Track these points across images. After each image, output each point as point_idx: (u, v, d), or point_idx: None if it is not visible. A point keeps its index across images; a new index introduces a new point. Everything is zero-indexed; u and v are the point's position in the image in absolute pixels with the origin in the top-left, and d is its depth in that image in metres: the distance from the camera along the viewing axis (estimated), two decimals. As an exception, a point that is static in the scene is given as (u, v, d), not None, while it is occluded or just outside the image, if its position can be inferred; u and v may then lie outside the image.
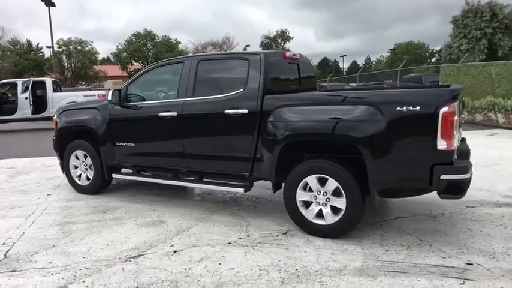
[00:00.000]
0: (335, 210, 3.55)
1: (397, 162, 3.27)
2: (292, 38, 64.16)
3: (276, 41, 65.30)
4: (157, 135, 4.51)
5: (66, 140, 5.22)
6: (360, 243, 3.48)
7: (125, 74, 58.12)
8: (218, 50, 66.52)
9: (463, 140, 4.38)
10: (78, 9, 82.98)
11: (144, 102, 4.59)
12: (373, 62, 72.49)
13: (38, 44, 58.28)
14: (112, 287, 2.79)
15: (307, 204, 3.68)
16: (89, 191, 5.15)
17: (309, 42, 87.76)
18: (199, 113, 4.18)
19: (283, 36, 65.25)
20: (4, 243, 3.59)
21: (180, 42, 61.34)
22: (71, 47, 54.39)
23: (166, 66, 4.60)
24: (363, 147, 3.32)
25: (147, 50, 58.07)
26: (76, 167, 5.21)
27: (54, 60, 37.36)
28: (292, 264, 3.10)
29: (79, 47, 54.97)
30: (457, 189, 3.20)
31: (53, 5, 26.40)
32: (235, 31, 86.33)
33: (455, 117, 3.08)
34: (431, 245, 3.42)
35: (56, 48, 53.86)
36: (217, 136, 4.12)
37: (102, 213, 4.43)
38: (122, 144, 4.75)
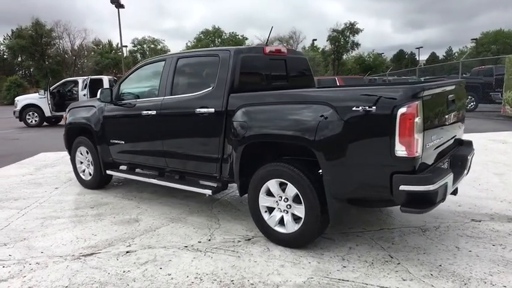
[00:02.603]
0: (296, 218, 3.28)
1: (354, 169, 2.91)
2: (361, 30, 61.63)
3: (344, 34, 63.35)
4: (142, 133, 4.54)
5: (73, 136, 5.50)
6: (320, 256, 3.18)
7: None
8: (285, 45, 66.46)
9: (466, 143, 3.82)
10: (157, 9, 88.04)
11: (132, 101, 4.64)
12: (455, 54, 67.04)
13: (117, 43, 62.90)
14: (45, 284, 2.85)
15: (270, 210, 3.46)
16: (91, 186, 5.39)
17: (386, 34, 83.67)
18: (174, 111, 4.12)
19: (352, 29, 63.01)
20: (-14, 234, 3.88)
21: (246, 38, 62.23)
22: (144, 45, 57.93)
23: (152, 64, 4.61)
24: (316, 150, 3.01)
25: (214, 47, 59.90)
26: (81, 163, 5.48)
27: (123, 58, 39.91)
28: (232, 275, 2.92)
29: (152, 46, 58.36)
30: (419, 202, 2.75)
31: (122, 6, 28.23)
32: (309, 25, 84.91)
33: (417, 119, 2.63)
34: (399, 263, 3.01)
35: (131, 47, 57.98)
36: (190, 135, 4.04)
37: (89, 208, 4.59)
38: (115, 141, 4.87)
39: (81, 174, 5.51)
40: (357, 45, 62.21)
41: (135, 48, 56.87)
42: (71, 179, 5.91)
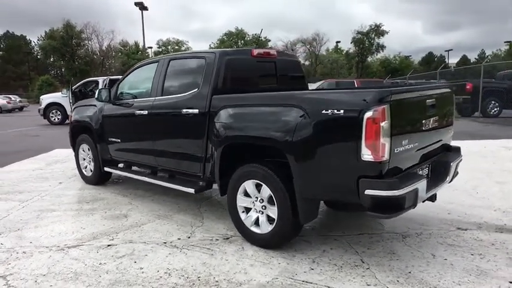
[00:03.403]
0: (271, 219, 3.32)
1: (323, 172, 2.93)
2: (387, 32, 60.51)
3: (368, 36, 62.47)
4: (136, 132, 4.69)
5: (76, 134, 5.73)
6: (292, 257, 3.20)
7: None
8: (308, 47, 66.18)
9: (454, 149, 3.75)
10: (185, 11, 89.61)
11: (128, 100, 4.80)
12: (488, 57, 64.82)
13: (144, 45, 64.37)
14: (25, 272, 3.02)
15: (248, 211, 3.51)
16: (92, 181, 5.60)
17: (415, 35, 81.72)
18: (163, 111, 4.24)
19: (377, 30, 62.01)
20: (-16, 223, 4.12)
21: (269, 40, 62.29)
22: (169, 46, 59.02)
23: (148, 65, 4.75)
24: (286, 152, 3.05)
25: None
26: (84, 159, 5.70)
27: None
28: (200, 271, 2.99)
29: (176, 47, 59.38)
30: (385, 207, 2.74)
31: (146, 8, 29.03)
32: (335, 26, 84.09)
33: (383, 124, 2.62)
34: (368, 268, 3.00)
35: (155, 48, 59.23)
36: (177, 135, 4.15)
37: (85, 203, 4.78)
38: (112, 139, 5.06)
39: (83, 170, 5.74)
40: (382, 47, 61.17)
41: (160, 50, 58.00)
42: (75, 175, 6.15)
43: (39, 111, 16.41)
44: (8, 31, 64.83)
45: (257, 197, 3.38)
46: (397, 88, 2.93)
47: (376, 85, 20.67)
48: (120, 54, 58.92)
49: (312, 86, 25.63)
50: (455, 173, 3.68)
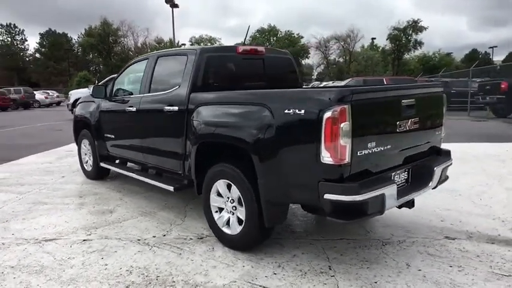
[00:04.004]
0: (240, 220, 3.25)
1: (286, 173, 2.82)
2: (425, 28, 58.27)
3: (406, 33, 60.51)
4: (127, 129, 4.74)
5: (79, 129, 5.88)
6: (259, 260, 3.12)
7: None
8: (342, 43, 64.97)
9: (444, 153, 3.52)
10: (222, 8, 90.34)
11: (122, 97, 4.86)
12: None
13: (178, 42, 65.60)
14: (-4, 263, 3.12)
15: (221, 211, 3.45)
16: (91, 176, 5.73)
17: (459, 32, 77.93)
18: (149, 108, 4.26)
19: (415, 26, 59.89)
20: (-22, 214, 4.30)
21: (302, 37, 61.77)
22: (202, 44, 59.75)
23: (139, 62, 4.78)
24: (251, 151, 2.96)
25: (269, 45, 60.12)
26: (85, 154, 5.84)
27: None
28: (161, 271, 2.97)
29: (209, 44, 60.04)
30: (345, 212, 2.60)
31: (177, 6, 29.43)
32: (373, 22, 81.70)
33: (343, 125, 2.48)
34: (333, 276, 2.86)
35: (188, 45, 60.15)
36: (160, 132, 4.16)
37: (78, 197, 4.89)
38: (108, 135, 5.15)
39: (84, 165, 5.88)
40: (420, 44, 59.02)
41: (193, 47, 58.91)
42: (79, 169, 6.30)
43: (67, 106, 17.06)
44: (50, 29, 67.92)
45: (228, 197, 3.32)
46: (359, 87, 2.76)
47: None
48: (155, 51, 60.42)
49: (339, 84, 25.12)
50: (443, 178, 3.46)
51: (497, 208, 4.26)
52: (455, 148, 8.03)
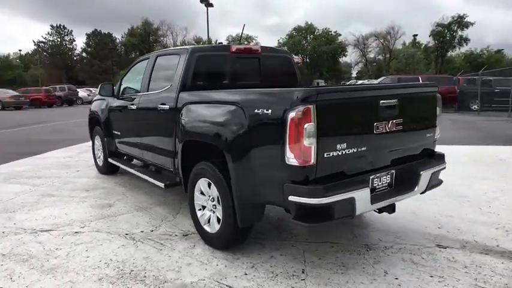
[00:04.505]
0: (219, 219, 3.26)
1: (255, 174, 2.80)
2: (472, 24, 55.23)
3: (450, 29, 57.69)
4: (130, 126, 4.89)
5: (93, 125, 6.13)
6: (234, 260, 3.12)
7: (285, 67, 61.24)
8: (381, 41, 63.11)
9: (437, 156, 3.35)
10: (262, 6, 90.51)
11: (126, 95, 5.01)
12: None
13: (216, 40, 66.53)
14: (-9, 250, 3.33)
15: (204, 209, 3.48)
16: (102, 171, 5.97)
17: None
18: (146, 106, 4.37)
19: (460, 22, 56.94)
20: (-9, 203, 4.60)
21: (339, 35, 60.57)
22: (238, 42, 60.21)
23: (142, 61, 4.90)
24: (225, 151, 2.96)
25: (306, 43, 59.47)
26: (98, 150, 6.08)
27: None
28: (137, 265, 3.04)
29: (245, 42, 60.39)
30: (310, 215, 2.54)
31: (211, 5, 29.86)
32: (418, 19, 78.25)
33: (307, 125, 2.42)
34: (303, 279, 2.81)
35: (224, 44, 60.85)
36: (155, 130, 4.25)
37: (84, 191, 5.11)
38: (115, 132, 5.33)
39: (97, 160, 6.13)
40: (466, 40, 56.08)
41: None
42: (94, 164, 6.58)
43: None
44: (96, 29, 70.98)
45: (210, 196, 3.34)
46: (326, 87, 2.68)
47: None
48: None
49: (373, 82, 24.40)
50: (434, 183, 3.29)
51: (505, 216, 3.98)
52: (482, 151, 7.61)
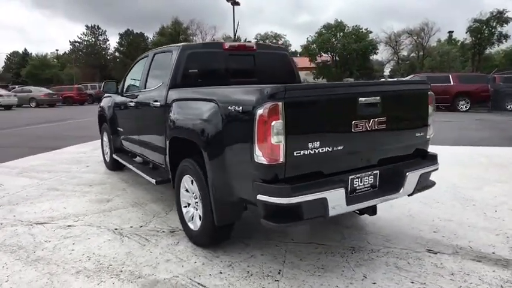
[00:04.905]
0: (201, 217, 3.25)
1: (228, 171, 2.77)
2: (512, 19, 52.42)
3: (488, 25, 55.15)
4: (130, 123, 4.97)
5: (101, 122, 6.27)
6: (213, 258, 3.10)
7: (313, 65, 60.59)
8: (414, 38, 61.23)
9: (430, 157, 3.20)
10: (294, 4, 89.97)
11: (128, 92, 5.09)
12: None
13: (245, 38, 66.75)
14: (-15, 241, 3.46)
15: (189, 206, 3.48)
16: (109, 167, 6.10)
17: None
18: (142, 103, 4.41)
19: (500, 18, 54.31)
20: (-2, 196, 4.80)
21: (370, 32, 59.18)
22: (267, 40, 60.13)
23: (143, 58, 4.96)
24: (202, 148, 2.95)
25: (335, 41, 58.46)
26: (106, 146, 6.22)
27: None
28: (117, 260, 3.08)
29: (274, 41, 60.24)
30: (277, 215, 2.48)
31: (238, 3, 29.96)
32: (455, 14, 75.18)
33: (275, 123, 2.36)
34: (277, 280, 2.75)
35: (253, 42, 61.03)
36: (149, 126, 4.29)
37: (88, 186, 5.23)
38: (119, 128, 5.43)
39: (105, 156, 6.27)
40: (506, 37, 53.44)
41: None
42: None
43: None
44: (128, 29, 72.95)
45: (193, 193, 3.33)
46: (296, 84, 2.59)
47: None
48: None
49: (398, 80, 23.64)
50: (424, 185, 3.13)
51: (509, 222, 3.75)
52: (503, 153, 7.19)
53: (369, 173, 2.87)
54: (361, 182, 2.83)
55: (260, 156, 2.43)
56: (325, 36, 57.62)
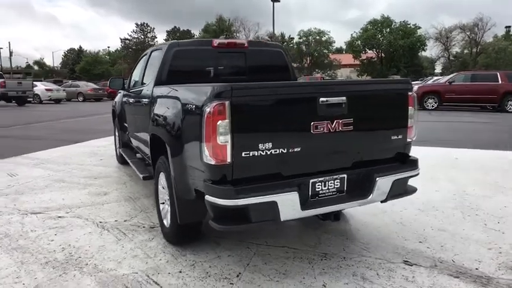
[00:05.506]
0: (172, 214, 3.26)
1: (184, 170, 2.75)
2: None
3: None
4: (130, 118, 5.09)
5: (113, 118, 6.48)
6: (179, 257, 3.09)
7: (357, 62, 59.02)
8: (467, 33, 57.76)
9: (410, 162, 3.00)
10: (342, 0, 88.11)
11: (131, 89, 5.21)
12: None
13: (289, 35, 66.35)
14: (-21, 227, 3.70)
15: (165, 202, 3.50)
16: (119, 160, 6.31)
17: None
18: (137, 100, 4.50)
19: None
20: (8, 186, 5.09)
21: (419, 27, 56.53)
22: (310, 37, 59.34)
23: (144, 55, 5.04)
24: (167, 145, 2.95)
25: (381, 37, 56.47)
26: (117, 140, 6.43)
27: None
28: (87, 253, 3.16)
29: (317, 37, 59.31)
30: (223, 217, 2.43)
31: (278, 0, 29.86)
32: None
33: (221, 122, 2.31)
34: (232, 284, 2.70)
35: (296, 39, 60.39)
36: (141, 123, 4.35)
37: (93, 178, 5.43)
38: (125, 124, 5.58)
39: (116, 150, 6.48)
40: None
41: (300, 40, 58.87)
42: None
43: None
44: (175, 26, 75.07)
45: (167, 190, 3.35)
46: (245, 83, 2.50)
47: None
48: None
49: (443, 79, 22.49)
50: (399, 191, 2.93)
51: (510, 236, 3.42)
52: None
53: (335, 177, 2.73)
54: (324, 186, 2.70)
55: (208, 156, 2.38)
56: (371, 32, 55.85)
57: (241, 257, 3.08)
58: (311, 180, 2.64)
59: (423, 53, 60.83)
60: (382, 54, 57.91)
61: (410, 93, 2.92)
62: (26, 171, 5.84)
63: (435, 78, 31.05)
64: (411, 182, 3.06)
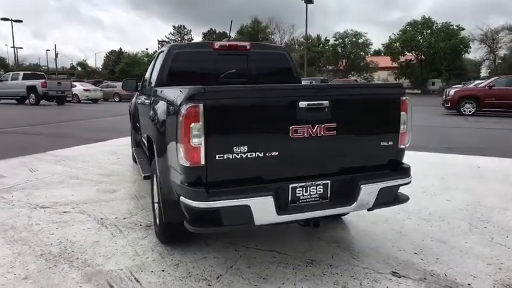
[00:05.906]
0: (163, 214, 3.31)
1: (167, 171, 2.79)
2: None
3: None
4: (140, 118, 5.21)
5: (130, 118, 6.68)
6: (166, 256, 3.14)
7: (395, 65, 57.38)
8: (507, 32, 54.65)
9: (401, 169, 2.90)
10: (385, 0, 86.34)
11: (142, 90, 5.35)
12: None
13: (326, 37, 65.61)
14: (-10, 219, 3.92)
15: (159, 202, 3.58)
16: (133, 159, 6.46)
17: None
18: (142, 101, 4.61)
19: None
20: (27, 181, 5.36)
21: (462, 29, 54.16)
22: (346, 39, 58.40)
23: (154, 58, 5.16)
24: (154, 145, 3.01)
25: (421, 39, 54.58)
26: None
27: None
28: (80, 247, 3.27)
29: (354, 39, 58.27)
30: (196, 219, 2.44)
31: (311, 2, 29.63)
32: None
33: (194, 124, 2.32)
34: (210, 285, 2.70)
35: (332, 41, 59.63)
36: (146, 123, 4.45)
37: (106, 176, 5.62)
38: (137, 124, 5.73)
39: (132, 150, 6.67)
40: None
41: (336, 42, 58.07)
42: (136, 153, 7.16)
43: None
44: (211, 28, 76.54)
45: (160, 189, 3.41)
46: (219, 86, 2.49)
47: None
48: (301, 47, 61.87)
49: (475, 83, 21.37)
50: (387, 200, 2.83)
51: (515, 252, 3.20)
52: None
53: (318, 182, 2.67)
54: (306, 192, 2.65)
55: (183, 158, 2.40)
56: (410, 34, 54.14)
57: (226, 259, 3.08)
58: (291, 185, 2.60)
59: (467, 56, 58.35)
60: (422, 57, 56.03)
61: (403, 98, 2.81)
62: (46, 167, 6.13)
63: (476, 82, 29.69)
64: (427, 192, 2.93)
